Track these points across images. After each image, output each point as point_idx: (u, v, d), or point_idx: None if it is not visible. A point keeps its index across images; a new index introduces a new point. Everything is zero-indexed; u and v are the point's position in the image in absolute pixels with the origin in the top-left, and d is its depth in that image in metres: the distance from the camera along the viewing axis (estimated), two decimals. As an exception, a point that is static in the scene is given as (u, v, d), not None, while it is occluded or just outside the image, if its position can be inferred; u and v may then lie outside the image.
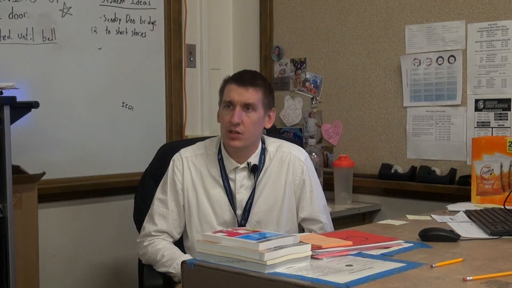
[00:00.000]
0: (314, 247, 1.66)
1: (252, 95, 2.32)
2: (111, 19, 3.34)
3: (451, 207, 2.57)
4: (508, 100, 2.98)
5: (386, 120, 3.37)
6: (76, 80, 3.21)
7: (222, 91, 2.40)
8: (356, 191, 3.41)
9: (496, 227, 2.03)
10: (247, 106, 2.32)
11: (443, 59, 3.16)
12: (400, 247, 1.81)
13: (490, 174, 2.70)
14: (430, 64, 3.21)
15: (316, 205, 2.47)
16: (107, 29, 3.33)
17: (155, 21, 3.53)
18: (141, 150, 3.35)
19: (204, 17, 3.80)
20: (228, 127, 2.31)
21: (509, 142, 2.67)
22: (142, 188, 2.69)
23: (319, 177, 2.84)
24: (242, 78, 2.36)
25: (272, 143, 2.48)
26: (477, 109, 3.07)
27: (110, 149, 3.35)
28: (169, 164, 2.47)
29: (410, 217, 2.38)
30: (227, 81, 2.39)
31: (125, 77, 3.41)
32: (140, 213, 2.62)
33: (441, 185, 3.12)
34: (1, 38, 2.96)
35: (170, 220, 2.41)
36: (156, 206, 2.43)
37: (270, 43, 3.83)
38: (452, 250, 1.80)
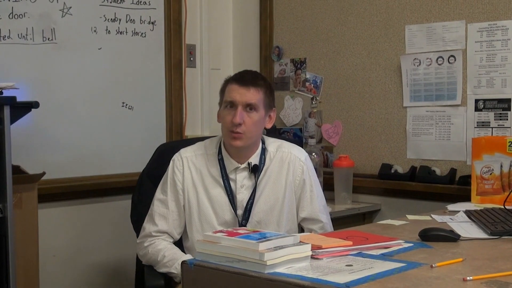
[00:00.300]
0: (314, 247, 1.66)
1: (253, 95, 2.32)
2: (111, 19, 3.34)
3: (451, 207, 2.57)
4: (508, 100, 2.98)
5: (386, 120, 3.37)
6: (76, 80, 3.22)
7: (223, 91, 2.40)
8: (356, 191, 3.41)
9: (496, 227, 2.03)
10: (249, 106, 2.32)
11: (443, 59, 3.16)
12: (400, 247, 1.81)
13: (490, 174, 2.70)
14: (430, 64, 3.21)
15: (316, 204, 2.47)
16: (107, 29, 3.33)
17: (155, 21, 3.53)
18: (141, 150, 3.34)
19: (204, 17, 3.80)
20: (230, 127, 2.31)
21: (509, 142, 2.67)
22: (140, 188, 2.68)
23: (319, 177, 2.84)
24: (243, 78, 2.36)
25: (272, 143, 2.48)
26: (477, 109, 3.07)
27: (110, 149, 3.35)
28: (166, 164, 2.47)
29: (410, 217, 2.38)
30: (228, 81, 2.39)
31: (125, 77, 3.41)
32: (138, 214, 2.61)
33: (441, 185, 3.12)
34: (1, 38, 2.96)
35: (170, 221, 2.41)
36: (156, 206, 2.43)
37: (270, 43, 3.83)
38: (452, 250, 1.80)
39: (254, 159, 2.41)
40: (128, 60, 3.42)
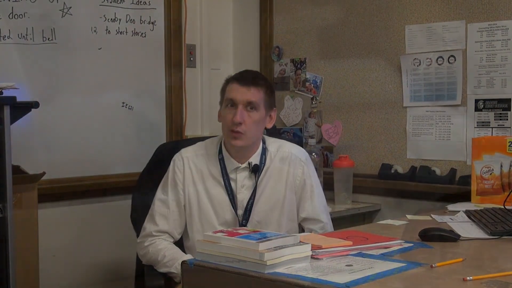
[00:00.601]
0: (314, 247, 1.66)
1: (254, 94, 2.33)
2: (111, 19, 3.34)
3: (451, 207, 2.57)
4: (508, 100, 2.98)
5: (386, 120, 3.37)
6: (76, 80, 3.21)
7: (223, 90, 2.40)
8: (356, 191, 3.41)
9: (496, 227, 2.03)
10: (249, 106, 2.32)
11: (443, 59, 3.16)
12: (400, 247, 1.81)
13: (490, 174, 2.70)
14: (430, 64, 3.21)
15: (317, 204, 2.47)
16: (107, 29, 3.33)
17: (155, 21, 3.53)
18: (141, 150, 3.34)
19: (204, 17, 3.80)
20: (230, 126, 2.32)
21: (509, 142, 2.67)
22: (140, 188, 2.68)
23: (319, 177, 2.84)
24: (244, 78, 2.37)
25: (273, 143, 2.48)
26: (477, 109, 3.07)
27: (110, 149, 3.35)
28: (166, 164, 2.47)
29: (410, 217, 2.38)
30: (229, 80, 2.39)
31: (125, 77, 3.41)
32: (138, 214, 2.61)
33: (441, 185, 3.12)
34: (1, 38, 2.96)
35: (171, 220, 2.41)
36: (157, 206, 2.43)
37: (270, 43, 3.83)
38: (452, 250, 1.80)
39: (255, 159, 2.41)
40: (128, 60, 3.42)
